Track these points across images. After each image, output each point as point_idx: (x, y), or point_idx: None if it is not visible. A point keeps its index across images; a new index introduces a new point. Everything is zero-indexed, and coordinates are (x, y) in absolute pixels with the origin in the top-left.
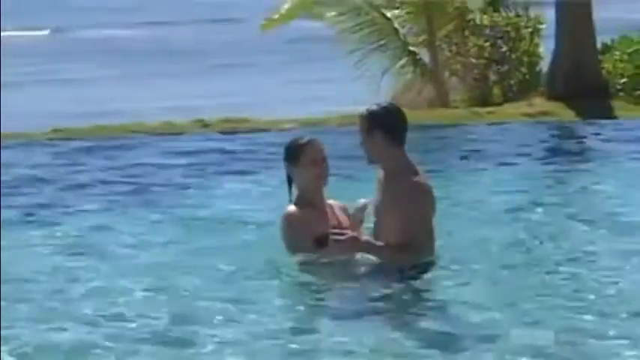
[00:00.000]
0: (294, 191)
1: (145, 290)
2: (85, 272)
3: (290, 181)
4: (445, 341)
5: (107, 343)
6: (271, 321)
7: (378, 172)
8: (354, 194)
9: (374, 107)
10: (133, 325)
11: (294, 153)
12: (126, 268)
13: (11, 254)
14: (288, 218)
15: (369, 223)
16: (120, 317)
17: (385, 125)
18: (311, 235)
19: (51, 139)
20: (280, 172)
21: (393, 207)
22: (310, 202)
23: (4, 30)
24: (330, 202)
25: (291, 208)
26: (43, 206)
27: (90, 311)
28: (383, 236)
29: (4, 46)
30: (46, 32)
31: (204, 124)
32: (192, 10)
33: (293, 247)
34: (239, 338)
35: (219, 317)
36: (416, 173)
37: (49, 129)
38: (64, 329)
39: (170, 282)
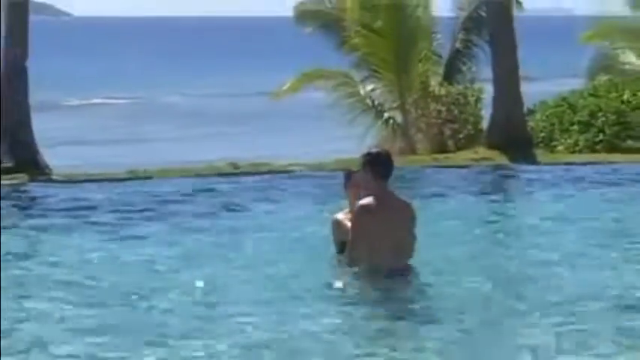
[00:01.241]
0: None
1: None
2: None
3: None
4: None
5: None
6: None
7: None
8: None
9: (368, 150)
10: None
11: (346, 177)
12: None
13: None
14: (334, 221)
15: None
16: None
17: (374, 163)
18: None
19: (127, 179)
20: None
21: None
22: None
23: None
24: None
25: (338, 214)
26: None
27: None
28: None
29: (100, 111)
30: (126, 100)
31: (236, 167)
32: (232, 85)
33: (335, 242)
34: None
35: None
36: (389, 199)
37: (125, 170)
38: None
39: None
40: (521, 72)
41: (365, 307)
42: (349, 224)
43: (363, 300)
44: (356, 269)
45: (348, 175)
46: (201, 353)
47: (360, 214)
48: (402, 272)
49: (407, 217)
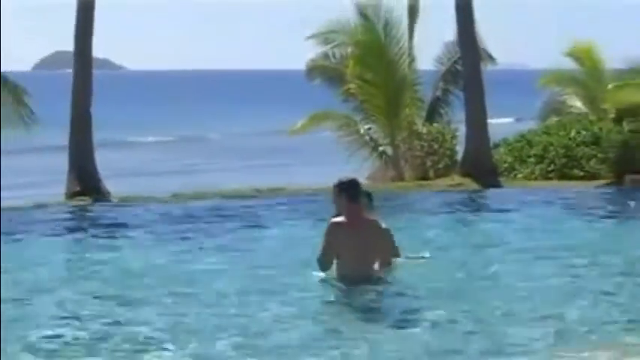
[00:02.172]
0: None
1: None
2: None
3: None
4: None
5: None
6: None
7: None
8: None
9: (341, 179)
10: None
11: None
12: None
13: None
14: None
15: None
16: None
17: (347, 190)
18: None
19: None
20: None
21: None
22: None
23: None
24: None
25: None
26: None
27: None
28: None
29: (152, 147)
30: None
31: (258, 190)
32: (257, 126)
33: None
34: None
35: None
36: (358, 218)
37: (170, 194)
38: None
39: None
40: (515, 115)
41: (332, 307)
42: None
43: (332, 300)
44: (323, 275)
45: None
46: None
47: (332, 229)
48: (366, 277)
49: (374, 232)
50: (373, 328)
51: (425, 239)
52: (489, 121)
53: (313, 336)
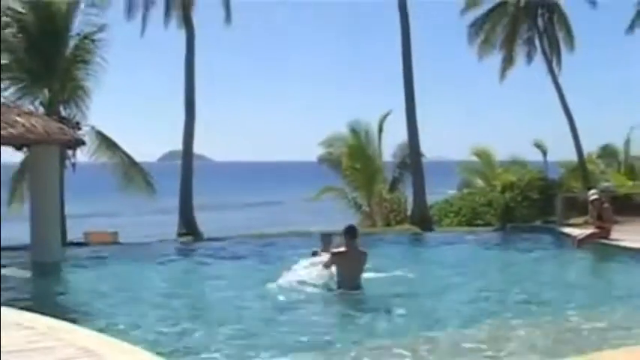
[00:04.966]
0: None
1: None
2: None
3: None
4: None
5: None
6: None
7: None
8: None
9: (347, 225)
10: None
11: (323, 237)
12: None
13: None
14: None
15: None
16: None
17: (349, 232)
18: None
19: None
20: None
21: None
22: None
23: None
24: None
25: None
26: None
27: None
28: None
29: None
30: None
31: (292, 232)
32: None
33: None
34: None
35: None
36: (353, 249)
37: (239, 234)
38: None
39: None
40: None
41: (337, 304)
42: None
43: (336, 301)
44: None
45: (325, 236)
46: None
47: (335, 255)
48: (355, 288)
49: (362, 259)
50: (359, 312)
51: (387, 259)
52: (447, 191)
53: (325, 313)
